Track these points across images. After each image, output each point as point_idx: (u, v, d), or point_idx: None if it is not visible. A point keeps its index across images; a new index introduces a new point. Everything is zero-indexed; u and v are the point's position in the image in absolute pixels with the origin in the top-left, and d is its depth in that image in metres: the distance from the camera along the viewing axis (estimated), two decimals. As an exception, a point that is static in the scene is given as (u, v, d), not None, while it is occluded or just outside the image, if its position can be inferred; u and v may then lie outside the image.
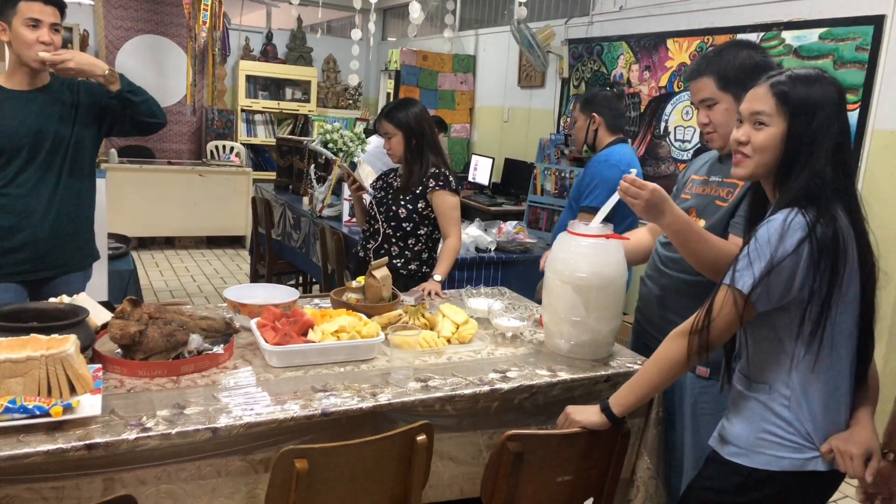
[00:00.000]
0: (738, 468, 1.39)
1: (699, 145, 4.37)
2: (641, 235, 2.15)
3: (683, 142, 4.56)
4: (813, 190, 1.31)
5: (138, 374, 1.57)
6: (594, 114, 2.95)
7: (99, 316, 1.77)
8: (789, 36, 3.86)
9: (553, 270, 1.90)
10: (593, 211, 2.63)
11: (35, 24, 2.06)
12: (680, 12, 4.53)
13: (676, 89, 4.58)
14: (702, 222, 1.81)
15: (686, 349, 1.40)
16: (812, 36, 3.74)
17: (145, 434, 1.32)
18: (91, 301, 1.81)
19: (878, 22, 3.41)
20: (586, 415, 1.56)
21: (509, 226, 3.59)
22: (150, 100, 2.26)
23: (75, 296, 1.84)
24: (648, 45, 4.79)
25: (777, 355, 1.36)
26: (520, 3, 4.85)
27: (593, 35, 5.30)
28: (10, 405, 1.28)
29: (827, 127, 1.34)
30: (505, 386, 1.70)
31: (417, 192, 2.69)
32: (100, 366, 1.55)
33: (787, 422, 1.35)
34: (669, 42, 4.62)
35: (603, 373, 1.83)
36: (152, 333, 1.61)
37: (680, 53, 4.55)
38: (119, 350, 1.64)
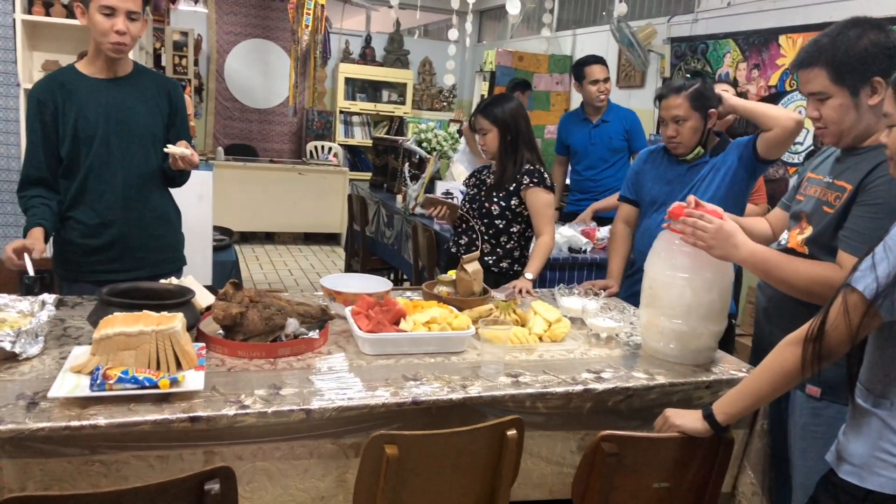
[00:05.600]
0: (853, 489, 1.27)
1: (812, 147, 4.10)
2: (759, 224, 1.96)
3: (795, 143, 4.29)
4: None
5: (238, 355, 1.63)
6: (712, 110, 2.29)
7: (203, 298, 1.85)
8: (920, 29, 3.55)
9: (653, 270, 1.83)
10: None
11: (110, 12, 1.95)
12: (794, 6, 4.26)
13: (788, 88, 4.32)
14: (809, 229, 1.66)
15: (800, 358, 1.29)
16: (947, 28, 3.42)
17: (244, 411, 1.36)
18: (197, 284, 1.89)
19: None
20: (687, 420, 1.48)
21: (604, 231, 3.43)
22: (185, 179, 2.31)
23: (182, 278, 1.93)
24: (758, 43, 4.54)
25: None
26: (620, 1, 4.72)
27: (698, 33, 5.09)
28: (123, 375, 1.36)
29: None
30: (599, 386, 1.64)
31: (511, 189, 2.66)
32: (203, 345, 1.62)
33: None
34: (782, 38, 4.36)
35: (704, 378, 1.74)
36: (252, 316, 1.67)
37: (793, 50, 4.28)
38: (221, 331, 1.71)
